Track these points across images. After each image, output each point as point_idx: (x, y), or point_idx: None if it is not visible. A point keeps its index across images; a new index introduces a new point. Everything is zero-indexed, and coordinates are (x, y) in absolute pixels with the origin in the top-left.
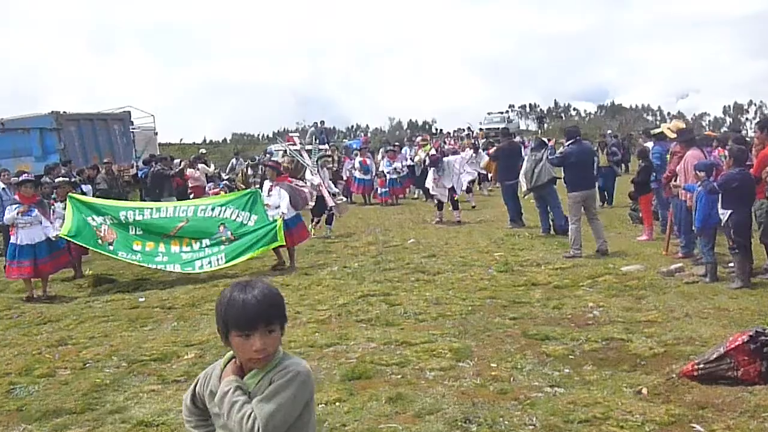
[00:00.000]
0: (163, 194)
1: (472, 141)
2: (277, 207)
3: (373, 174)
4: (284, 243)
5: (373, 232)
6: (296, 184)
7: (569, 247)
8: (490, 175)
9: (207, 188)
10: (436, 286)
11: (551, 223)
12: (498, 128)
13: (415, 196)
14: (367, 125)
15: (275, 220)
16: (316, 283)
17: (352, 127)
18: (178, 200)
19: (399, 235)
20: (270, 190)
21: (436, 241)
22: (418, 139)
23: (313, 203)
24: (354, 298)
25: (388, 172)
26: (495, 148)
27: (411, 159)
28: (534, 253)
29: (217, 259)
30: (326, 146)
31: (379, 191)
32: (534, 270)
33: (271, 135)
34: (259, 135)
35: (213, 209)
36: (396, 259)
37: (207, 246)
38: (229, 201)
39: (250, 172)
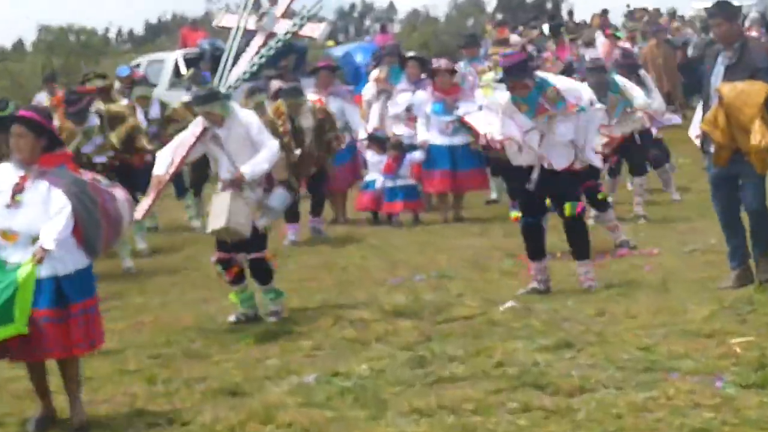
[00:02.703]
0: None
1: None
2: (35, 237)
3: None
4: (23, 331)
5: (408, 285)
6: (94, 179)
7: None
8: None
9: None
10: (576, 425)
11: None
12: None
13: (493, 197)
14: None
15: (14, 271)
16: (262, 419)
17: (351, 7)
18: None
19: (473, 293)
20: (18, 188)
21: (575, 307)
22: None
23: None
24: None
25: (448, 129)
26: None
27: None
28: None
29: None
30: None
31: (384, 188)
32: None
33: (141, 31)
34: (108, 31)
35: None
36: (468, 352)
37: None
38: None
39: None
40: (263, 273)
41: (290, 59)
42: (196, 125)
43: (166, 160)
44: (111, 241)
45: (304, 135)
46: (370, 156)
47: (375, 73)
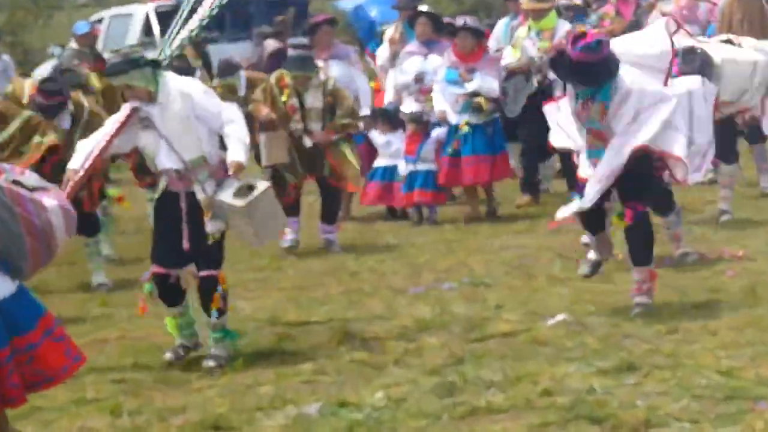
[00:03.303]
0: None
1: None
2: None
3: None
4: None
5: (434, 294)
6: (14, 182)
7: None
8: None
9: None
10: None
11: None
12: None
13: (542, 186)
14: None
15: None
16: None
17: None
18: None
19: (515, 304)
20: None
21: (641, 321)
22: None
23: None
24: None
25: (456, 105)
26: None
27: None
28: None
29: None
30: None
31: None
32: None
33: None
34: None
35: None
36: (508, 378)
37: None
38: None
39: None
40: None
41: (289, 13)
42: (124, 108)
43: (84, 152)
44: (42, 259)
45: (309, 118)
46: (376, 136)
47: (389, 32)
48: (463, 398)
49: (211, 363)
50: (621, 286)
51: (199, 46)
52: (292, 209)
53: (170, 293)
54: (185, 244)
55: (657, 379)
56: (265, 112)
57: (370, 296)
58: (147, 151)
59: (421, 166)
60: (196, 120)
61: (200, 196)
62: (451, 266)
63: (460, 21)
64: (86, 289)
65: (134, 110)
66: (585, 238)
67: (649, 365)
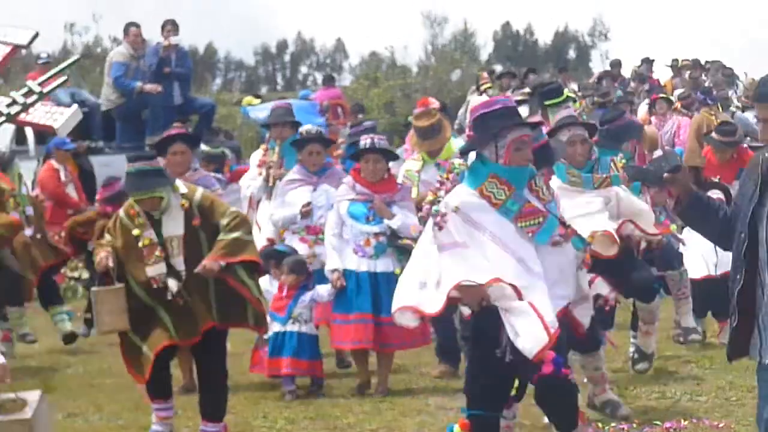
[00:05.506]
0: None
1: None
2: None
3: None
4: None
5: None
6: None
7: None
8: None
9: None
10: None
11: None
12: None
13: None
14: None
15: None
16: None
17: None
18: None
19: None
20: None
21: None
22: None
23: None
24: None
25: (369, 247)
26: None
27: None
28: None
29: None
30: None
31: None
32: None
33: None
34: None
35: None
36: None
37: None
38: None
39: None
40: None
41: (190, 121)
42: None
43: None
44: None
45: (169, 253)
46: (269, 282)
47: (258, 155)
48: None
49: None
50: None
51: (78, 157)
52: (160, 388)
53: None
54: None
55: None
56: (100, 256)
57: None
58: None
59: (292, 328)
60: None
61: None
62: (379, 430)
63: (365, 141)
64: None
65: None
66: None
67: None
